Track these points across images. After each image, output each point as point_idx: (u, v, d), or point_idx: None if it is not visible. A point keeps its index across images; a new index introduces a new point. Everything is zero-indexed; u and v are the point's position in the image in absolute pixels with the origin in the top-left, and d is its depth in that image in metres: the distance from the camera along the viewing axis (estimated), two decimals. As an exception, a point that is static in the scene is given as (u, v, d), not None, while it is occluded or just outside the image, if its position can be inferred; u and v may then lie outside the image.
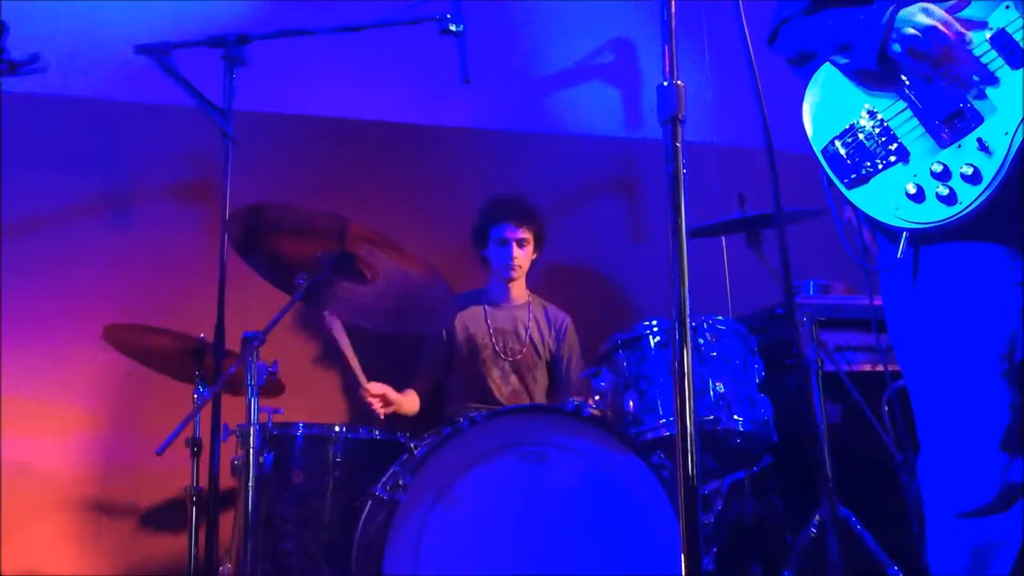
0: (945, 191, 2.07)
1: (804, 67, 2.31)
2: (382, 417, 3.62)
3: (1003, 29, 2.05)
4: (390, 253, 2.77)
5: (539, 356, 3.96)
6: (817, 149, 2.25)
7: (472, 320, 3.91)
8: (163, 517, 3.67)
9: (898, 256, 2.14)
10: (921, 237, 2.13)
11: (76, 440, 3.76)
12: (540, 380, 3.95)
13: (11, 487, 3.57)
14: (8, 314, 3.69)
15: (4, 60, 2.64)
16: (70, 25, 3.91)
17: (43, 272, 3.80)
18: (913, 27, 2.07)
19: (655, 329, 3.17)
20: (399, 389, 3.76)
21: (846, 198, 2.22)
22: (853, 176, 2.19)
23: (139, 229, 3.94)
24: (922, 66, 2.09)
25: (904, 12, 2.10)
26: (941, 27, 2.05)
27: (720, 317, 3.23)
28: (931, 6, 2.09)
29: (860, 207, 2.19)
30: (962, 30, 2.07)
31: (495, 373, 3.87)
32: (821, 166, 2.24)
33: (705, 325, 3.16)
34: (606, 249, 4.53)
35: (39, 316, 3.77)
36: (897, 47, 2.09)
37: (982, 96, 2.06)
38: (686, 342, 1.65)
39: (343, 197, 4.05)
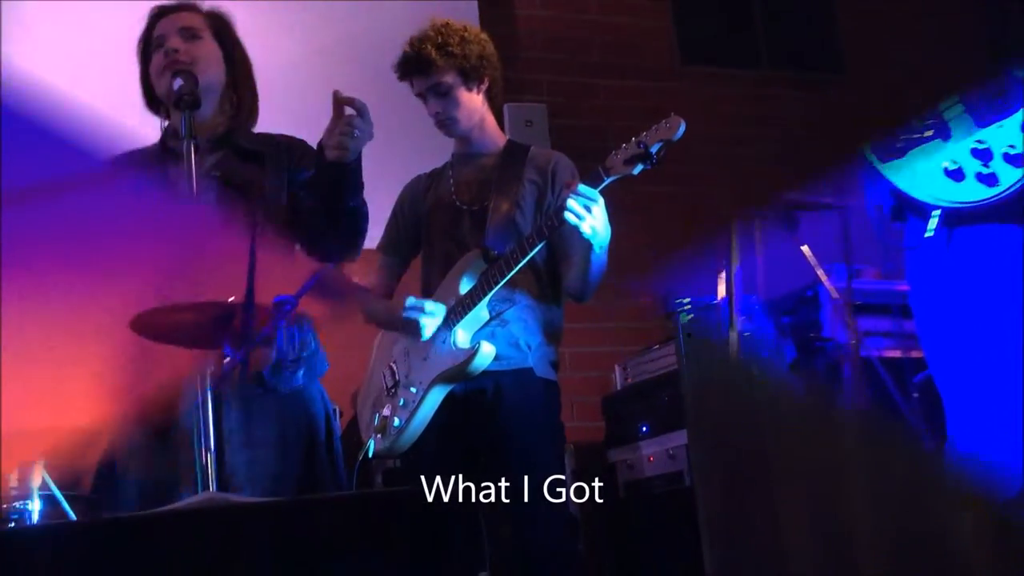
0: (986, 171, 2.01)
1: None
2: None
3: None
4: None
5: None
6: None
7: None
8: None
9: (926, 235, 2.09)
10: (956, 218, 2.07)
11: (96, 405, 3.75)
12: None
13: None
14: (15, 283, 3.67)
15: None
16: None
17: (58, 235, 3.78)
18: None
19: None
20: None
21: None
22: (888, 150, 2.13)
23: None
24: None
25: None
26: None
27: (753, 297, 3.20)
28: None
29: (894, 182, 2.12)
30: None
31: None
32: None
33: (738, 305, 3.14)
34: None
35: (52, 281, 3.74)
36: None
37: None
38: (732, 325, 1.63)
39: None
